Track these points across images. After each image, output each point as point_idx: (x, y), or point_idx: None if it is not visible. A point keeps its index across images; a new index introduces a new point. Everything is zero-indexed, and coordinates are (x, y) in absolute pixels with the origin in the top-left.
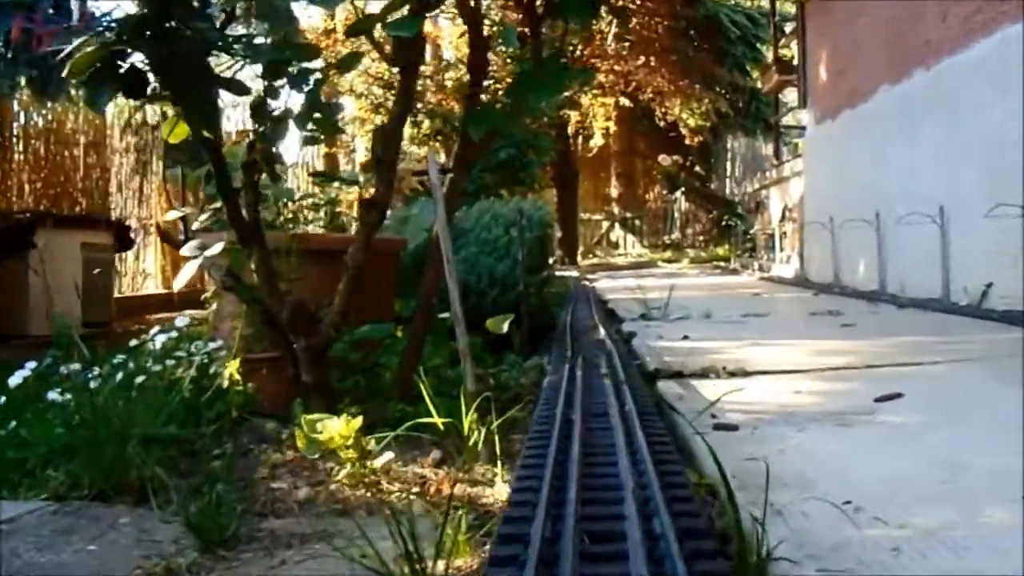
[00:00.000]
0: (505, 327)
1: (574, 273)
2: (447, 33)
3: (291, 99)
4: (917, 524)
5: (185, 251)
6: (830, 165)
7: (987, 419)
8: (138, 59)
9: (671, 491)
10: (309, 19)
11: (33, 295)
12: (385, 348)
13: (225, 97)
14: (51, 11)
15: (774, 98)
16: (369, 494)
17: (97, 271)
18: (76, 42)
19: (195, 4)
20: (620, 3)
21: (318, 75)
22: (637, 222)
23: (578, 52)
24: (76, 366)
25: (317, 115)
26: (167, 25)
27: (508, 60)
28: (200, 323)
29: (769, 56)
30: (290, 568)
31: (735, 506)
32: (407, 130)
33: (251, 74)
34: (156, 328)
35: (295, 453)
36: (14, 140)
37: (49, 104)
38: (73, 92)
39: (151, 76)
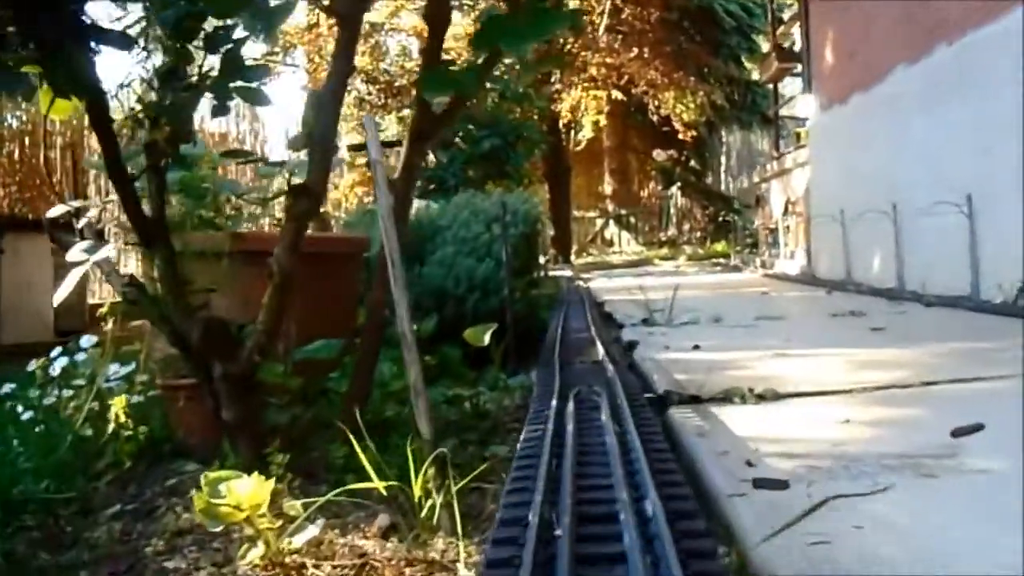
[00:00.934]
0: (487, 338)
1: (568, 273)
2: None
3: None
4: None
5: (71, 255)
6: (839, 153)
7: None
8: None
9: None
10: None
11: (4, 303)
12: (343, 369)
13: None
14: None
15: (773, 87)
16: None
17: None
18: None
19: None
20: None
21: (241, 32)
22: (632, 219)
23: (568, 45)
24: None
25: (239, 83)
26: None
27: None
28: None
29: (765, 47)
30: None
31: None
32: (393, 125)
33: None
34: (58, 349)
35: None
36: None
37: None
38: None
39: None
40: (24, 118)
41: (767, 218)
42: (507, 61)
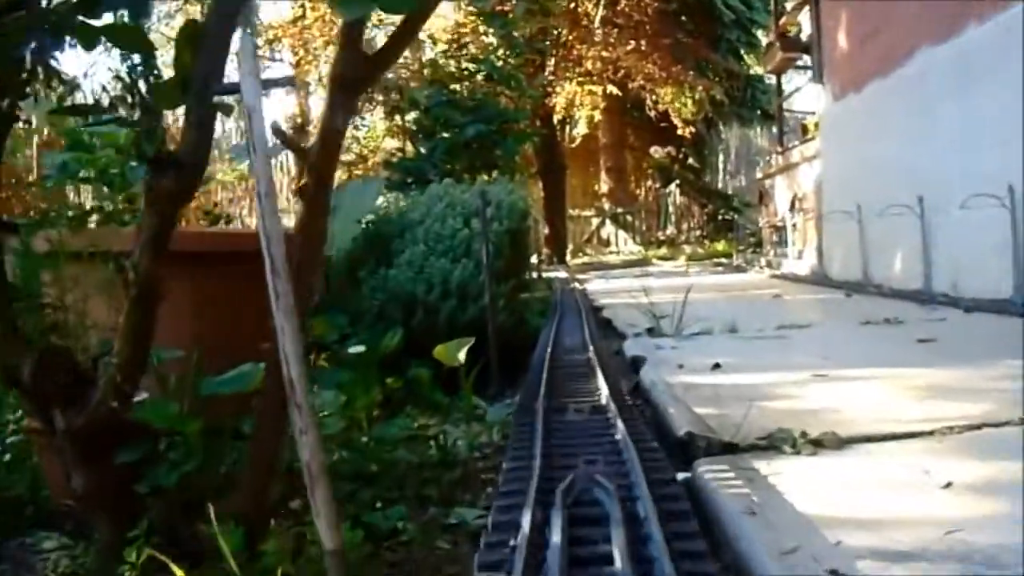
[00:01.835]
0: (461, 356)
1: (563, 274)
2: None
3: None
4: None
5: None
6: (854, 145)
7: None
8: None
9: None
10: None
11: None
12: None
13: None
14: None
15: (776, 79)
16: None
17: None
18: None
19: None
20: None
21: None
22: (629, 218)
23: (562, 36)
24: None
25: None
26: None
27: None
28: None
29: (765, 41)
30: None
31: None
32: (379, 121)
33: None
34: None
35: None
36: None
37: None
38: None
39: None
40: None
41: (771, 216)
42: (493, 39)
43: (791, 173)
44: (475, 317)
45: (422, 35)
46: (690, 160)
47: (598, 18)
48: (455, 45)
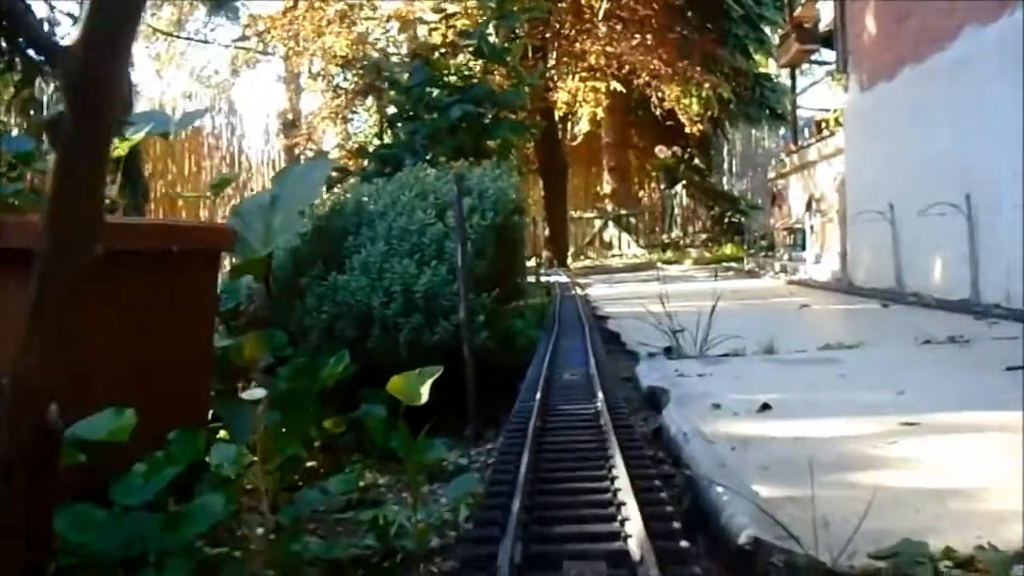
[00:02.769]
0: (424, 392)
1: (563, 278)
2: None
3: None
4: None
5: None
6: (886, 139)
7: None
8: None
9: None
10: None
11: None
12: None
13: None
14: None
15: (791, 73)
16: None
17: None
18: None
19: None
20: None
21: None
22: (633, 220)
23: (564, 30)
24: None
25: None
26: None
27: None
28: None
29: (775, 39)
30: None
31: None
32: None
33: None
34: None
35: None
36: None
37: None
38: None
39: None
40: None
41: (784, 218)
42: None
43: (807, 172)
44: (448, 336)
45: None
46: (696, 161)
47: (602, 11)
48: (444, 21)
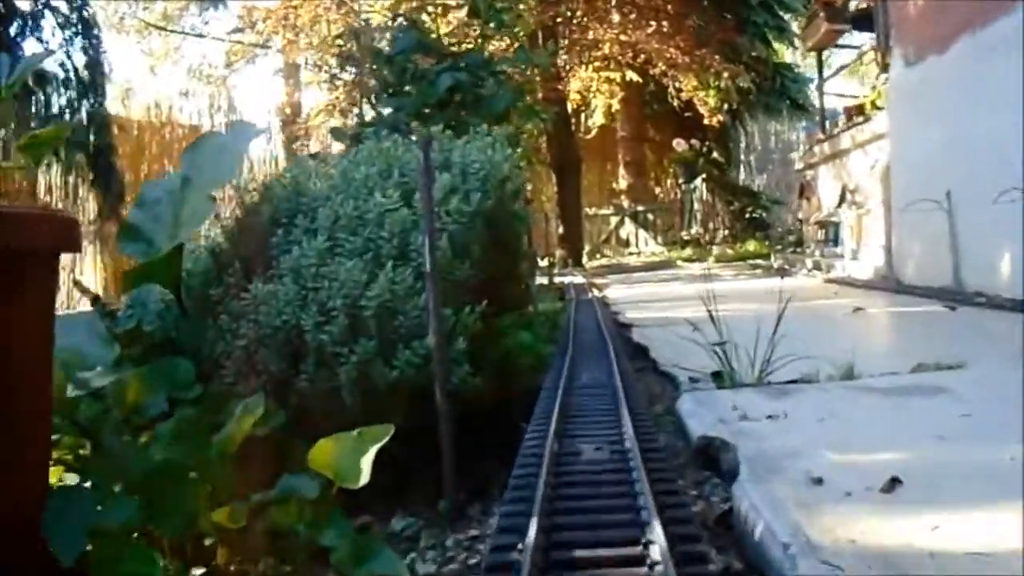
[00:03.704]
0: (365, 468)
1: (578, 279)
2: None
3: None
4: None
5: None
6: (937, 120)
7: None
8: None
9: None
10: None
11: None
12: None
13: None
14: None
15: (817, 56)
16: None
17: None
18: None
19: None
20: None
21: None
22: (650, 216)
23: (576, 17)
24: None
25: None
26: None
27: None
28: None
29: (795, 26)
30: None
31: None
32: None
33: None
34: None
35: None
36: None
37: None
38: None
39: None
40: None
41: (814, 211)
42: None
43: (839, 162)
44: (414, 370)
45: None
46: (714, 154)
47: None
48: None
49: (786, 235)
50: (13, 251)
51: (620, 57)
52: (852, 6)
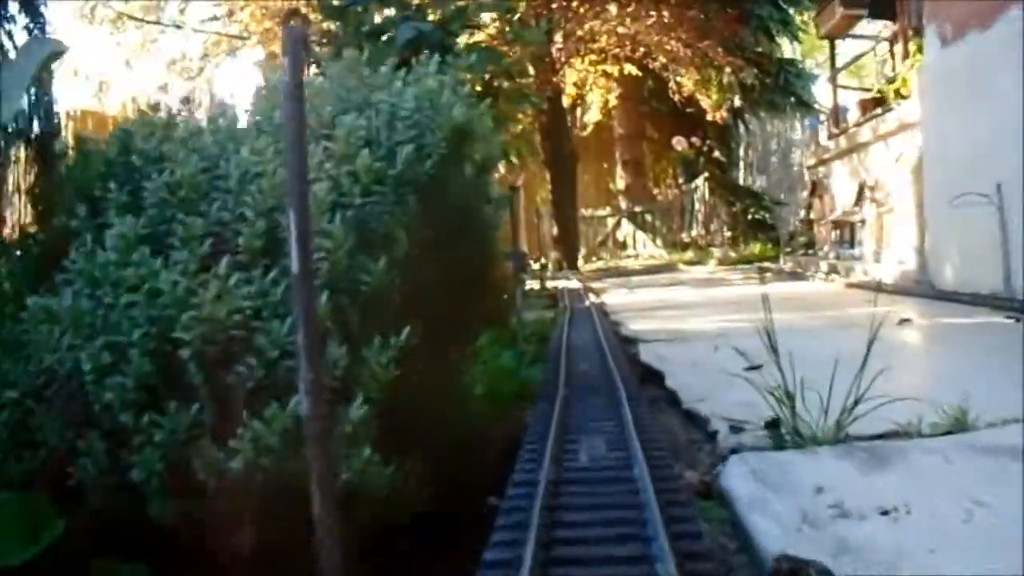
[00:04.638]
0: None
1: (574, 283)
2: None
3: None
4: None
5: None
6: (981, 104)
7: None
8: None
9: None
10: None
11: None
12: None
13: None
14: None
15: (830, 45)
16: None
17: None
18: None
19: None
20: None
21: None
22: (649, 217)
23: (572, 6)
24: None
25: None
26: None
27: None
28: None
29: (799, 20)
30: None
31: None
32: None
33: None
34: None
35: None
36: None
37: None
38: None
39: None
40: None
41: (827, 211)
42: None
43: (856, 157)
44: (273, 456)
45: None
46: (716, 153)
47: None
48: None
49: (795, 236)
50: None
51: (618, 50)
52: None
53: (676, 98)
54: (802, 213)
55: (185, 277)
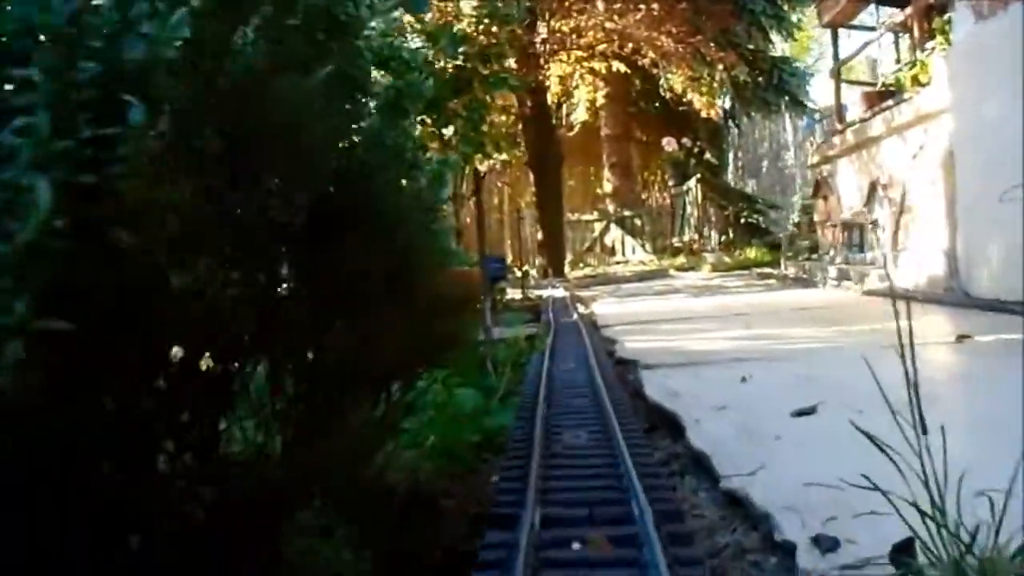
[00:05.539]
0: None
1: (560, 291)
2: None
3: None
4: None
5: None
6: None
7: None
8: None
9: None
10: None
11: None
12: None
13: None
14: None
15: (832, 36)
16: None
17: None
18: None
19: None
20: None
21: None
22: (638, 222)
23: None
24: None
25: None
26: None
27: None
28: None
29: (794, 17)
30: None
31: None
32: None
33: None
34: None
35: None
36: None
37: None
38: None
39: None
40: None
41: (832, 212)
42: None
43: (865, 153)
44: None
45: None
46: (707, 155)
47: None
48: None
49: (799, 239)
50: None
51: (606, 43)
52: None
53: (667, 96)
54: (796, 216)
55: None
